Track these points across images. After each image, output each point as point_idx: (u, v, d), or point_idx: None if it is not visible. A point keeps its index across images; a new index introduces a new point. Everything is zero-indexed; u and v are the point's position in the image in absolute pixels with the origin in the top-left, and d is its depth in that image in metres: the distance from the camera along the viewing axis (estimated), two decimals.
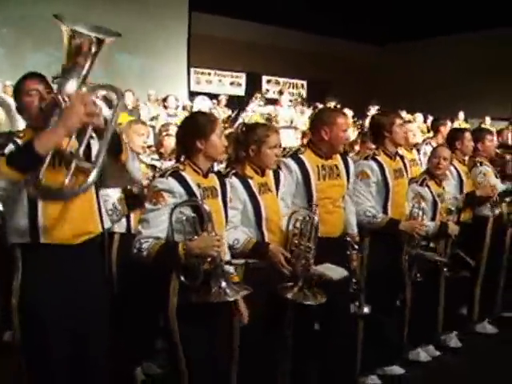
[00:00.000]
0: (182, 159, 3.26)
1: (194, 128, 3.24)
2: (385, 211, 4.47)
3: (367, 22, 16.96)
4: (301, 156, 4.00)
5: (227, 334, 3.38)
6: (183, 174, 3.17)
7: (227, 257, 3.29)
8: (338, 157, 4.13)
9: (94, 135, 2.73)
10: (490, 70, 17.56)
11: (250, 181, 3.60)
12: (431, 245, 4.88)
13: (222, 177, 3.42)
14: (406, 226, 4.50)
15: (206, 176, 3.25)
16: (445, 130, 6.78)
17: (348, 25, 16.89)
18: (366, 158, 4.52)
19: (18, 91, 2.94)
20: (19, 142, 2.81)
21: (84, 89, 2.68)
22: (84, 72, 2.69)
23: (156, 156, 5.36)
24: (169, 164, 4.77)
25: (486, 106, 14.75)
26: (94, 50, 2.66)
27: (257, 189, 3.60)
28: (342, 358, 4.17)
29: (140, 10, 13.04)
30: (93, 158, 2.70)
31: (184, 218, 3.08)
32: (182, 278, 3.05)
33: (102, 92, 2.93)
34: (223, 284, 3.05)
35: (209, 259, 3.05)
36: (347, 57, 18.65)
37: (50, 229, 2.80)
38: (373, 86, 17.62)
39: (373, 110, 10.81)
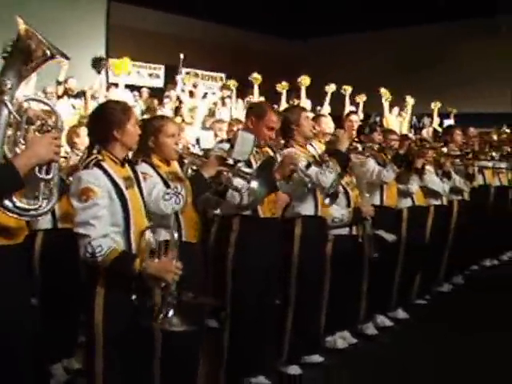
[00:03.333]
0: (97, 150, 3.23)
1: (110, 117, 3.22)
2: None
3: (288, 17, 17.11)
4: None
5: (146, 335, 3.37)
6: (104, 164, 3.15)
7: None
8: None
9: None
10: (411, 65, 18.10)
11: (158, 169, 3.64)
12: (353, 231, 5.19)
13: (133, 165, 3.42)
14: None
15: (123, 165, 3.26)
16: (350, 123, 6.82)
17: (268, 19, 17.00)
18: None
19: None
20: None
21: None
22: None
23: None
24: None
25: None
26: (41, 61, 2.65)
27: (166, 176, 3.64)
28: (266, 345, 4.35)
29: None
30: None
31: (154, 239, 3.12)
32: (134, 297, 3.02)
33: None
34: (170, 313, 3.00)
35: (163, 284, 3.03)
36: (266, 51, 18.82)
37: None
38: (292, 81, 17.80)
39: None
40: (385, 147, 5.73)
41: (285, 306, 4.67)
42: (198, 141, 8.48)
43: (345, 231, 5.13)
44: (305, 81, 10.22)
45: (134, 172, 3.36)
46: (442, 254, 6.95)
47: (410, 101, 11.34)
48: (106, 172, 3.13)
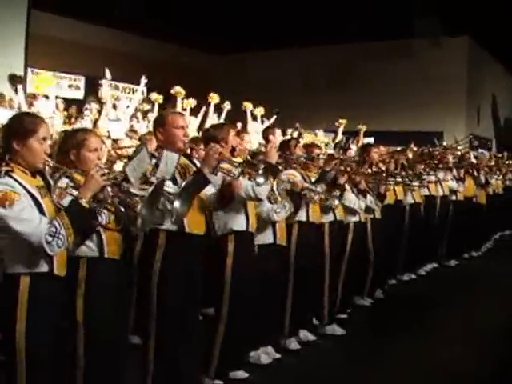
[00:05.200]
0: (6, 160, 3.15)
1: (14, 128, 3.18)
2: None
3: (207, 32, 17.15)
4: None
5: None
6: (14, 175, 3.10)
7: None
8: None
9: None
10: (327, 84, 18.54)
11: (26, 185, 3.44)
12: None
13: (44, 175, 3.34)
14: None
15: (34, 176, 3.22)
16: (274, 137, 6.77)
17: (187, 32, 17.01)
18: None
19: None
20: None
21: None
22: None
23: None
24: None
25: (319, 118, 15.37)
26: None
27: (37, 192, 3.44)
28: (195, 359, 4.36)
29: None
30: None
31: None
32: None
33: None
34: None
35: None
36: (186, 64, 18.85)
37: None
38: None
39: None
40: (311, 160, 5.82)
41: (216, 321, 4.66)
42: (108, 133, 8.36)
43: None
44: (213, 98, 10.17)
45: (46, 181, 3.30)
46: (365, 270, 7.11)
47: (342, 121, 11.51)
48: (17, 182, 3.08)
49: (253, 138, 8.89)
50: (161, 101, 9.82)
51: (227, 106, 10.41)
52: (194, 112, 10.03)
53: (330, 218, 6.11)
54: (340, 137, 11.73)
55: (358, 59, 18.65)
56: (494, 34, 16.82)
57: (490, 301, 7.67)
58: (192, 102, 9.96)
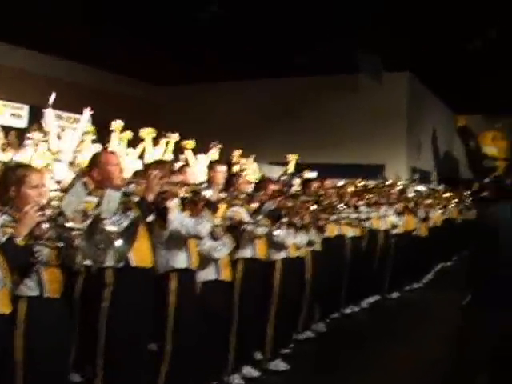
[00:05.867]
0: None
1: None
2: None
3: (153, 62, 17.12)
4: None
5: None
6: None
7: None
8: None
9: None
10: (272, 117, 18.74)
11: None
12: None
13: None
14: None
15: None
16: (215, 173, 6.72)
17: (132, 63, 16.96)
18: None
19: None
20: None
21: None
22: None
23: None
24: None
25: (267, 150, 15.44)
26: None
27: None
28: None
29: None
30: None
31: None
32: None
33: None
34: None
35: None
36: (130, 94, 18.81)
37: None
38: (157, 127, 17.88)
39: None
40: (252, 196, 5.85)
41: (159, 357, 4.62)
42: (52, 174, 8.23)
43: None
44: (145, 133, 9.87)
45: None
46: (300, 304, 7.12)
47: (293, 156, 11.45)
48: None
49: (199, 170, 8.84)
50: (94, 134, 9.59)
51: (174, 138, 10.22)
52: (136, 143, 9.88)
53: (282, 254, 6.17)
54: (291, 171, 11.72)
55: (303, 93, 18.93)
56: (434, 69, 17.31)
57: (432, 331, 7.82)
58: (129, 135, 9.77)
